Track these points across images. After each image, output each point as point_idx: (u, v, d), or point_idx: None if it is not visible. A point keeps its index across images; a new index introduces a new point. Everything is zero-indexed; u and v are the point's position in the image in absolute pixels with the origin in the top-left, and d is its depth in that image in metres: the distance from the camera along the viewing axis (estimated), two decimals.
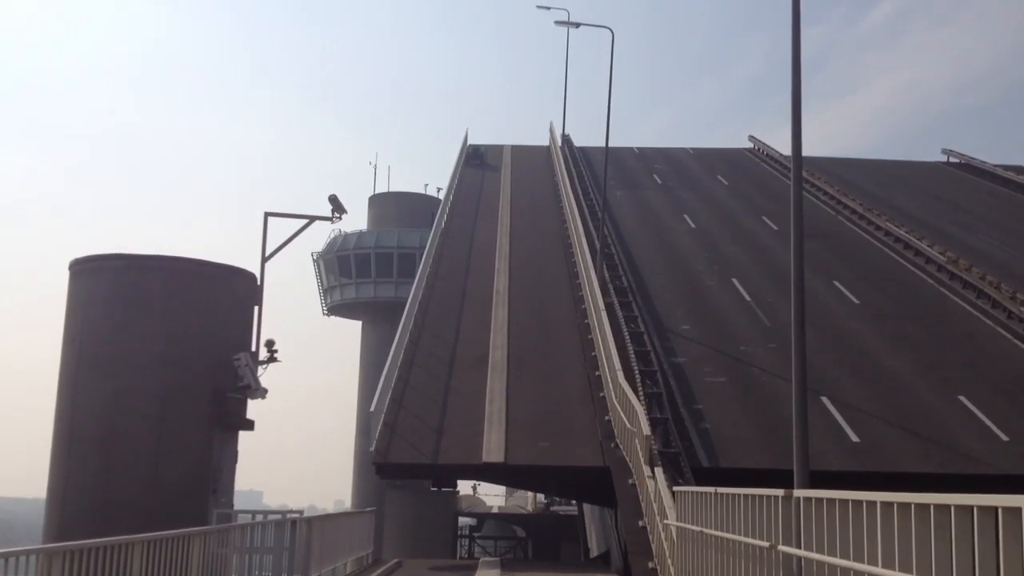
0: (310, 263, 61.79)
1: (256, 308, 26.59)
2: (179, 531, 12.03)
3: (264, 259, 27.12)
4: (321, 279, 61.53)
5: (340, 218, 28.76)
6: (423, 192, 64.65)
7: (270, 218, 27.71)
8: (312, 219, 28.29)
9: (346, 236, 60.38)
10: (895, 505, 6.23)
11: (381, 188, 67.01)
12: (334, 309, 61.97)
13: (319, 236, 68.10)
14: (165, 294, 25.02)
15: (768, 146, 60.35)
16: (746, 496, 9.87)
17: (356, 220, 71.76)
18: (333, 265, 60.24)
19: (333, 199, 28.44)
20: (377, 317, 58.63)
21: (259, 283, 26.81)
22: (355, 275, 59.34)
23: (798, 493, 8.55)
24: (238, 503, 26.92)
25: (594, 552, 34.75)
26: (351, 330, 66.61)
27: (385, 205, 63.71)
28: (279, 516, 17.89)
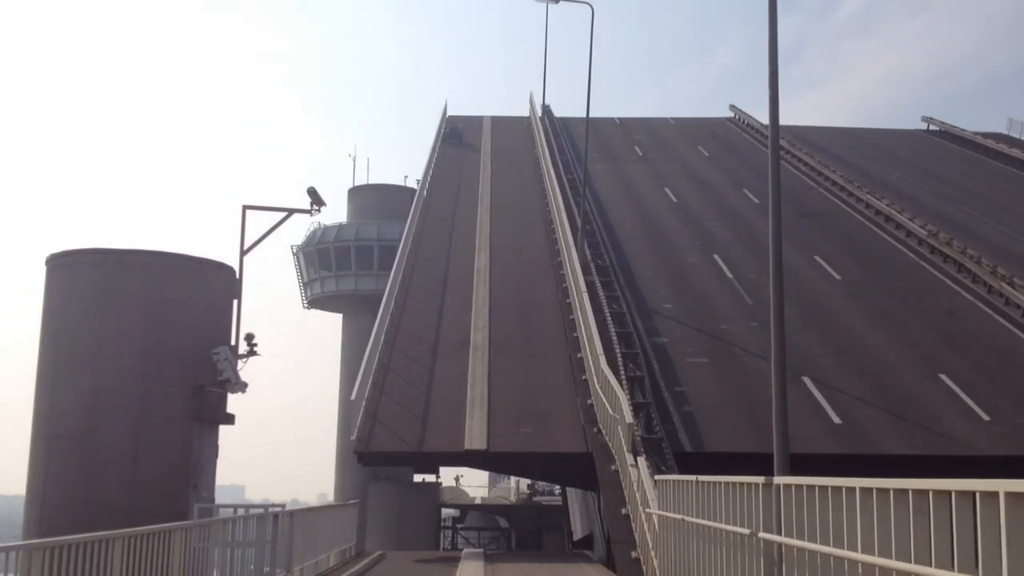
0: (290, 256, 61.56)
1: (235, 302, 26.46)
2: (160, 526, 11.95)
3: (243, 252, 26.98)
4: (301, 272, 61.27)
5: (319, 211, 28.61)
6: (403, 184, 64.46)
7: (248, 211, 27.55)
8: (290, 212, 28.14)
9: (326, 229, 60.13)
10: (874, 491, 6.26)
11: (361, 180, 66.78)
12: (314, 302, 61.73)
13: (299, 229, 67.97)
14: (143, 289, 24.84)
15: (748, 115, 59.82)
16: (727, 484, 9.91)
17: (336, 213, 71.55)
18: (313, 258, 59.99)
19: (312, 192, 28.30)
20: (358, 310, 58.41)
21: (238, 277, 26.68)
22: (335, 268, 59.12)
23: (778, 480, 8.59)
24: (220, 498, 26.83)
25: (577, 534, 34.80)
26: (332, 323, 66.38)
27: (365, 198, 63.44)
28: (261, 510, 17.83)
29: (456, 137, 54.57)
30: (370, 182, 66.16)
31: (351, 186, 65.42)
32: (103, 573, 10.00)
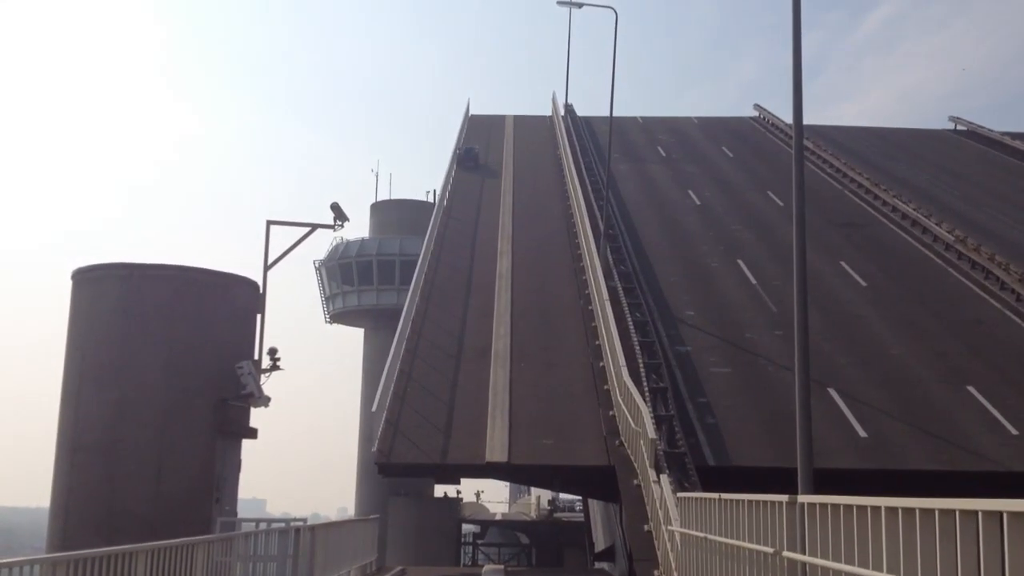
0: (312, 271, 61.82)
1: (259, 316, 26.57)
2: (183, 540, 11.99)
3: (266, 267, 27.10)
4: (323, 287, 61.50)
5: (342, 226, 28.70)
6: (425, 199, 64.62)
7: (272, 226, 27.70)
8: (314, 227, 28.26)
9: (348, 244, 60.36)
10: (899, 510, 6.21)
11: (383, 196, 67.04)
12: (336, 317, 61.93)
13: (321, 244, 68.29)
14: (168, 303, 25.00)
15: (773, 115, 59.26)
16: (750, 502, 9.84)
17: (358, 228, 71.79)
18: (335, 273, 60.23)
19: (335, 207, 28.42)
20: (379, 324, 58.57)
21: (262, 291, 26.80)
22: (357, 282, 59.31)
23: (802, 499, 8.53)
24: (241, 511, 26.88)
25: (599, 546, 34.59)
26: (353, 338, 66.64)
27: (387, 212, 63.68)
28: (283, 524, 17.87)
29: (471, 160, 49.43)
30: (392, 197, 66.45)
31: (373, 201, 65.73)
32: None
